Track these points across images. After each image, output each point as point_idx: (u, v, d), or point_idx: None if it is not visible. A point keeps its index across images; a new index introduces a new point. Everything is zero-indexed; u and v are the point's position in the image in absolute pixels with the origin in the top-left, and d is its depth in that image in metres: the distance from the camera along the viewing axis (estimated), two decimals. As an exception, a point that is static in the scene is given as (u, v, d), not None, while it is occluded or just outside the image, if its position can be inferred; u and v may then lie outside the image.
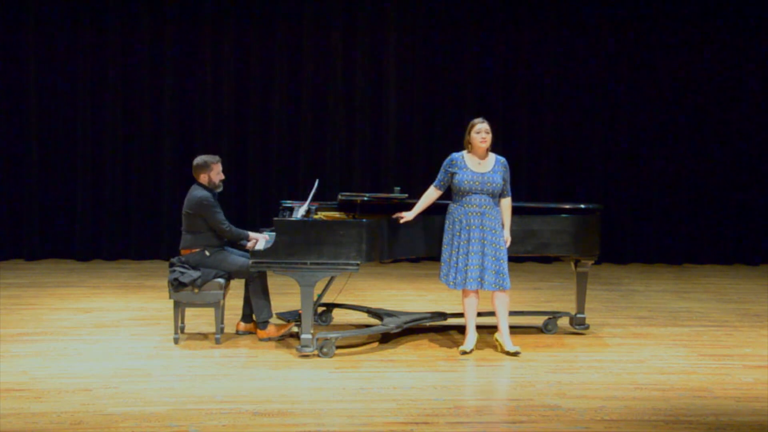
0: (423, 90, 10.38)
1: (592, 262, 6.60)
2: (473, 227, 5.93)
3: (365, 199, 6.20)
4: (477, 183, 5.93)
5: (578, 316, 6.67)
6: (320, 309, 6.80)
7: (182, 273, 6.08)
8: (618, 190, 10.43)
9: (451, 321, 6.69)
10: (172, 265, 6.21)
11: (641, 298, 8.35)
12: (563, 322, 6.81)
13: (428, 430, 4.53)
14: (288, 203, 6.80)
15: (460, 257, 5.94)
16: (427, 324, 6.70)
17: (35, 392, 5.02)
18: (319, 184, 6.47)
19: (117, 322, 6.86)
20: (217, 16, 10.09)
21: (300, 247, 5.77)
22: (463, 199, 5.97)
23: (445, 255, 6.06)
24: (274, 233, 5.96)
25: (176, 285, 6.06)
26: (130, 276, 9.12)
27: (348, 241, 5.78)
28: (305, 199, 6.43)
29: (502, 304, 6.01)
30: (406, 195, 6.25)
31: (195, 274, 6.09)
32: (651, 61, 10.39)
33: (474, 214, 5.93)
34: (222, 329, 6.26)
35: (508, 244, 6.06)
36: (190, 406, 4.81)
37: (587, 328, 6.69)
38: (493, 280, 5.92)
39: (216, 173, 6.33)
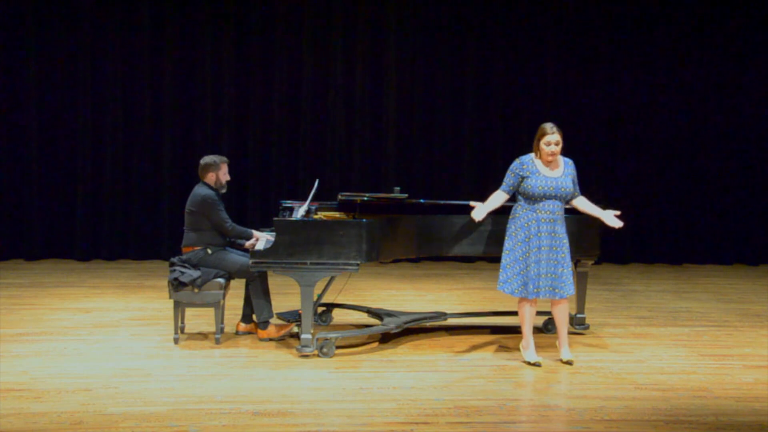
0: (423, 90, 10.38)
1: (592, 262, 6.60)
2: (543, 234, 5.68)
3: (365, 199, 6.20)
4: (551, 188, 5.66)
5: (578, 316, 6.67)
6: (320, 309, 6.80)
7: (182, 273, 6.07)
8: (618, 190, 10.42)
9: (451, 321, 6.70)
10: (172, 264, 6.20)
11: (641, 298, 8.35)
12: (563, 322, 6.81)
13: (428, 430, 4.53)
14: (288, 203, 6.80)
15: (531, 265, 5.68)
16: (427, 324, 6.70)
17: (35, 392, 5.02)
18: (319, 184, 6.47)
19: (117, 322, 6.86)
20: (217, 16, 10.09)
21: (300, 247, 5.77)
22: (536, 204, 5.69)
23: (508, 260, 5.76)
24: (274, 233, 5.96)
25: (176, 285, 6.06)
26: (130, 276, 9.11)
27: (348, 241, 5.78)
28: (305, 199, 6.43)
29: (564, 311, 5.85)
30: (406, 195, 6.25)
31: (195, 273, 6.09)
32: (653, 62, 10.38)
33: (546, 221, 5.69)
34: (222, 329, 6.26)
35: (618, 225, 5.81)
36: (190, 406, 4.81)
37: (587, 328, 6.69)
38: (564, 287, 5.73)
39: (223, 173, 6.39)
